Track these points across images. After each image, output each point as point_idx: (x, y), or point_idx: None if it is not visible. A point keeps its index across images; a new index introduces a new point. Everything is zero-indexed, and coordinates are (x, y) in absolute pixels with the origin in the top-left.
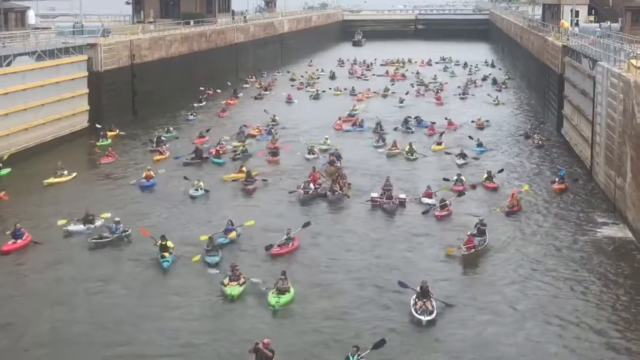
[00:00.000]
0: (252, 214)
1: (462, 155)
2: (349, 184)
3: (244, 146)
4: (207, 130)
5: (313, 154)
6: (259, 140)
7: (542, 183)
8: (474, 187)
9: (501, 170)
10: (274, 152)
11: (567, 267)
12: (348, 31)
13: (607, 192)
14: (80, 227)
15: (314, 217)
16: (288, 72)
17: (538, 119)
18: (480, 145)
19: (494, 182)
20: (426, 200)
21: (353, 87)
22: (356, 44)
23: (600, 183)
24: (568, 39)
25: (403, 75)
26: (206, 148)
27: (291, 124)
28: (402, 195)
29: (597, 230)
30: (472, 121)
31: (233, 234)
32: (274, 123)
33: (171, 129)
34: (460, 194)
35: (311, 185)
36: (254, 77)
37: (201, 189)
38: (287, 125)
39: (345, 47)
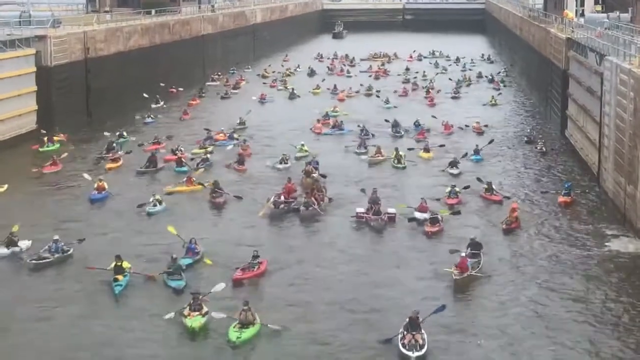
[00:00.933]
0: (218, 232)
1: (455, 164)
2: (330, 198)
3: (205, 153)
4: (169, 138)
5: (285, 162)
6: (223, 146)
7: (546, 195)
8: (505, 199)
9: (504, 194)
10: (242, 161)
11: (572, 288)
12: (328, 22)
13: (616, 201)
14: (3, 250)
15: (285, 237)
16: (262, 74)
17: (540, 121)
18: (477, 152)
19: (495, 194)
20: (420, 215)
21: (335, 85)
22: (336, 36)
23: (609, 191)
24: (572, 31)
25: (385, 72)
26: (165, 154)
27: (264, 127)
28: (392, 210)
29: (606, 244)
30: (467, 125)
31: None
32: (241, 127)
33: (125, 133)
34: (455, 211)
35: (282, 198)
36: (220, 73)
37: (160, 203)
38: (259, 129)
39: (324, 40)
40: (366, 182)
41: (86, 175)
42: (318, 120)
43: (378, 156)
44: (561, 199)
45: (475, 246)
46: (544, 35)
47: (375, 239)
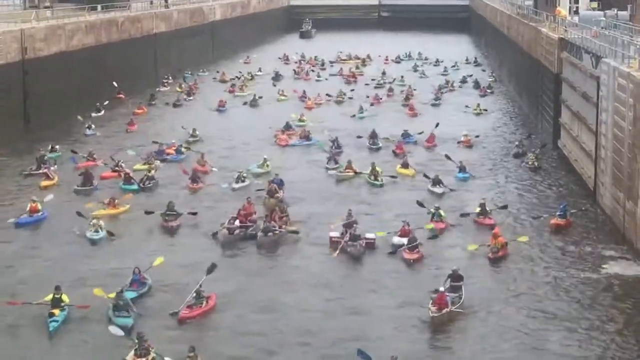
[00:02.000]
0: (167, 260)
1: (438, 182)
2: (297, 230)
3: (149, 170)
4: (117, 163)
5: (242, 181)
6: (173, 162)
7: (538, 217)
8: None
9: (504, 207)
10: (196, 178)
11: (566, 320)
12: (295, 19)
13: (615, 219)
14: None
15: (240, 267)
16: (218, 71)
17: (530, 131)
18: (462, 169)
19: (490, 218)
20: (401, 240)
21: (305, 92)
22: (304, 35)
23: (606, 208)
24: (566, 30)
25: (354, 75)
26: (104, 168)
27: (221, 139)
28: (370, 235)
29: (603, 266)
30: (459, 142)
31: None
32: (194, 139)
33: (57, 147)
34: (434, 235)
35: (237, 223)
36: (170, 77)
37: (101, 229)
38: (215, 141)
39: (291, 40)
40: (338, 202)
41: (48, 197)
42: (283, 132)
43: (348, 172)
44: (555, 221)
45: (457, 279)
46: (534, 35)
47: (348, 268)
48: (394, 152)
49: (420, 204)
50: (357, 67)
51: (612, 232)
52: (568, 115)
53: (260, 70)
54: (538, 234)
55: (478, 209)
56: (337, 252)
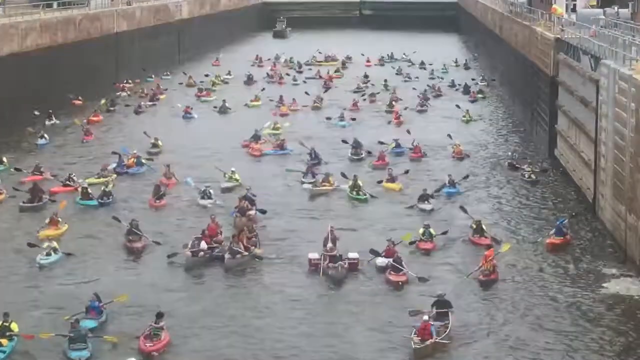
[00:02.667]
0: (127, 286)
1: (426, 198)
2: (260, 255)
3: (107, 184)
4: (69, 176)
5: (208, 197)
6: (134, 175)
7: (532, 235)
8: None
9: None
10: (160, 194)
11: (565, 346)
12: (269, 18)
13: (616, 234)
14: None
15: (205, 293)
16: (184, 73)
17: (525, 140)
18: (452, 184)
19: (485, 237)
20: (386, 260)
21: (281, 97)
22: (278, 35)
23: (607, 222)
24: (562, 30)
25: (330, 79)
26: (55, 182)
27: (186, 149)
28: (353, 255)
29: (603, 286)
30: (444, 151)
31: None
32: (156, 149)
33: (4, 159)
34: (412, 242)
35: (203, 244)
36: (129, 81)
37: (55, 252)
38: (180, 152)
39: (264, 40)
40: (317, 219)
41: None
42: (256, 141)
43: (325, 185)
44: (551, 240)
45: (443, 305)
46: (528, 35)
47: (328, 291)
48: (375, 164)
49: (464, 210)
50: (337, 71)
51: (613, 248)
52: (565, 122)
53: (229, 73)
54: (534, 254)
55: (473, 226)
56: (320, 274)
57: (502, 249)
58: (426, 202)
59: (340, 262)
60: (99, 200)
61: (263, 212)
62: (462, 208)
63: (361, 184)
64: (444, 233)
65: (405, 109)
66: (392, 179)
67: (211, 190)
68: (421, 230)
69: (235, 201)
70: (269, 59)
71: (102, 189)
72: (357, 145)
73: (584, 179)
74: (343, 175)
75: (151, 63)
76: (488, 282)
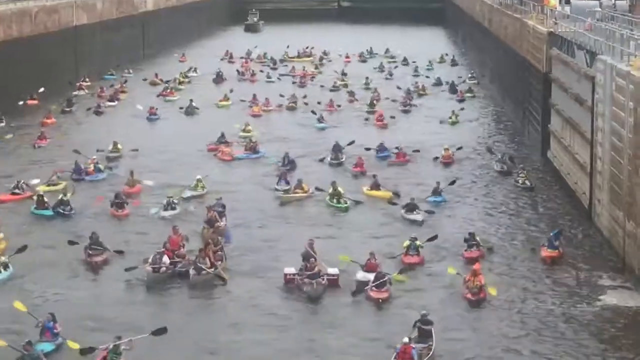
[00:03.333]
0: (84, 306)
1: (413, 208)
2: (224, 277)
3: (64, 193)
4: (18, 184)
5: (172, 208)
6: (93, 182)
7: (524, 248)
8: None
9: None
10: (120, 203)
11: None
12: (240, 10)
13: (613, 241)
14: None
15: (173, 310)
16: (151, 80)
17: (516, 141)
18: (437, 192)
19: (479, 250)
20: (367, 275)
21: (255, 96)
22: (250, 28)
23: (603, 228)
24: (556, 23)
25: (305, 75)
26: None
27: (149, 154)
28: (333, 270)
29: (600, 298)
30: (436, 158)
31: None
32: (115, 154)
33: None
34: (402, 270)
35: (165, 258)
36: (87, 79)
37: (5, 268)
38: (143, 157)
39: (235, 34)
40: (293, 230)
41: None
42: (226, 145)
43: (298, 192)
44: (545, 253)
45: (426, 325)
46: (519, 29)
47: (304, 309)
48: (353, 170)
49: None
50: (315, 67)
51: (610, 258)
52: (559, 122)
53: (195, 70)
54: (525, 267)
55: (466, 237)
56: (296, 290)
57: (490, 291)
58: (414, 212)
59: (318, 279)
60: (57, 210)
61: (223, 280)
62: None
63: (342, 191)
64: (433, 239)
65: (388, 109)
66: (376, 187)
67: (175, 201)
68: (406, 243)
69: (202, 212)
70: (242, 58)
71: (60, 197)
72: (336, 149)
73: (579, 182)
74: (317, 189)
75: (113, 59)
76: (477, 302)
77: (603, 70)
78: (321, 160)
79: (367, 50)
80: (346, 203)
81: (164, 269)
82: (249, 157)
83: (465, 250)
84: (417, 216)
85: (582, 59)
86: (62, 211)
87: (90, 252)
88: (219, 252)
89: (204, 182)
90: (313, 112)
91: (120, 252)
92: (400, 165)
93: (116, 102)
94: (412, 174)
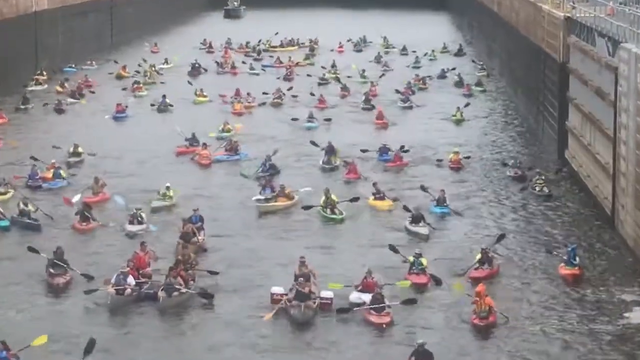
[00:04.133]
0: (45, 330)
1: (420, 219)
2: (210, 293)
3: (25, 203)
4: None
5: (140, 222)
6: (52, 190)
7: (542, 264)
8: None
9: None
10: (85, 215)
11: None
12: None
13: (638, 251)
14: None
15: (142, 338)
16: (116, 62)
17: (530, 140)
18: (441, 202)
19: (491, 267)
20: (362, 296)
21: (238, 90)
22: (231, 14)
23: (628, 237)
24: (574, 7)
25: (291, 66)
26: None
27: (114, 158)
28: (327, 294)
29: (624, 315)
30: (440, 160)
31: None
32: (76, 158)
33: None
34: (409, 299)
35: (130, 279)
36: (44, 72)
37: None
38: (107, 161)
39: (214, 20)
40: (280, 244)
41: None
42: (203, 145)
43: (281, 200)
44: (564, 270)
45: (424, 357)
46: (532, 14)
47: (291, 336)
48: (346, 177)
49: (394, 249)
50: (306, 58)
51: (635, 269)
52: (577, 118)
53: (166, 61)
54: (542, 287)
55: (478, 257)
56: (272, 313)
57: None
58: (420, 224)
59: (308, 302)
60: (17, 220)
61: (209, 297)
62: (422, 187)
63: (336, 200)
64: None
65: (387, 106)
66: (381, 196)
67: (143, 214)
68: (410, 259)
69: (172, 224)
70: (222, 45)
71: (21, 207)
72: (330, 151)
73: (600, 186)
74: (305, 208)
75: (78, 49)
76: (486, 327)
77: (627, 60)
78: (313, 143)
79: (360, 38)
80: (341, 214)
81: (128, 290)
82: (230, 159)
83: (476, 269)
84: (423, 229)
85: (603, 48)
86: (22, 221)
87: (52, 270)
88: (190, 272)
89: (173, 190)
90: (312, 93)
91: (89, 277)
92: (398, 170)
93: (79, 99)
94: (413, 180)
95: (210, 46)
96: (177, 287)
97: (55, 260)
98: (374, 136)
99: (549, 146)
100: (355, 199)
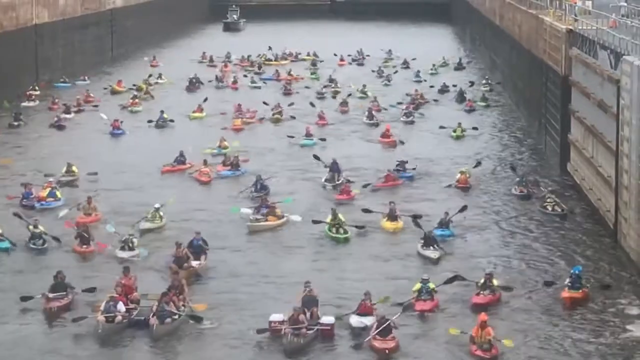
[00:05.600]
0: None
1: (432, 242)
2: (199, 316)
3: (35, 225)
4: None
5: (131, 248)
6: (47, 209)
7: (545, 287)
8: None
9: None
10: (85, 237)
11: None
12: (219, 6)
13: None
14: None
15: None
16: (112, 88)
17: (532, 153)
18: (444, 225)
19: (493, 294)
20: (363, 320)
21: (239, 105)
22: (230, 27)
23: (631, 250)
24: (576, 20)
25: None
26: None
27: (111, 177)
28: (328, 319)
29: (627, 329)
30: (449, 186)
31: None
32: (70, 177)
33: None
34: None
35: (120, 306)
36: (37, 88)
37: None
38: (104, 181)
39: (213, 33)
40: (283, 267)
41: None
42: (204, 162)
43: (271, 219)
44: (566, 293)
45: None
46: (535, 26)
47: None
48: (338, 199)
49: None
50: (312, 73)
51: (639, 282)
52: (580, 131)
53: (160, 77)
54: (544, 312)
55: (482, 281)
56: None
57: (505, 343)
58: (431, 247)
59: (302, 330)
60: (29, 244)
61: (198, 319)
62: (414, 220)
63: (343, 220)
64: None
65: (391, 122)
66: (394, 217)
67: (135, 240)
68: (417, 286)
69: (162, 248)
70: (222, 61)
71: (31, 230)
72: (335, 169)
73: (603, 199)
74: (315, 222)
75: (79, 62)
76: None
77: (629, 73)
78: (316, 157)
79: (357, 51)
80: (346, 233)
81: (119, 318)
82: (234, 174)
83: (477, 295)
84: (434, 253)
85: (605, 60)
86: (33, 246)
87: (50, 295)
88: (182, 296)
89: (163, 211)
90: (312, 104)
91: (91, 290)
92: (389, 190)
93: (72, 115)
94: (420, 199)
95: (212, 60)
96: (170, 312)
97: (55, 284)
98: (381, 154)
99: (551, 159)
100: (362, 227)
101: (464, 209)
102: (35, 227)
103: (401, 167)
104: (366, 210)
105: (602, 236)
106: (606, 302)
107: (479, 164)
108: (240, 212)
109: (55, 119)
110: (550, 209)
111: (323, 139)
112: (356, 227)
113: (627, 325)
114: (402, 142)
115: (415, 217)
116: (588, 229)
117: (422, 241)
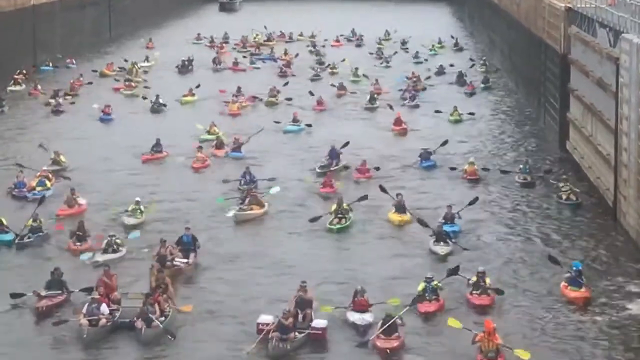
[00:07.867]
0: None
1: (444, 237)
2: (202, 315)
3: (35, 220)
4: None
5: (115, 250)
6: (36, 199)
7: (547, 283)
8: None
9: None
10: (80, 235)
11: None
12: None
13: None
14: None
15: None
16: (101, 71)
17: (533, 132)
18: (450, 219)
19: (488, 295)
20: (364, 317)
21: (239, 88)
22: (226, 7)
23: (630, 228)
24: None
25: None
26: None
27: (101, 167)
28: (320, 323)
29: (627, 306)
30: (453, 168)
31: None
32: (57, 166)
33: None
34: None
35: (104, 307)
36: (24, 72)
37: None
38: (92, 171)
39: (209, 13)
40: (276, 266)
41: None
42: (199, 147)
43: (253, 209)
44: (567, 291)
45: None
46: (533, 4)
47: None
48: (322, 192)
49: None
50: (316, 54)
51: (639, 260)
52: (579, 109)
53: (147, 59)
54: (544, 312)
55: (473, 279)
56: (253, 346)
57: (520, 355)
58: (441, 242)
59: (290, 334)
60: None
61: (172, 335)
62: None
63: (347, 207)
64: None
65: (393, 103)
66: (402, 209)
67: (118, 240)
68: (421, 286)
69: (143, 245)
70: (220, 42)
71: (30, 223)
72: (333, 156)
73: (602, 177)
74: (312, 220)
75: (76, 43)
76: None
77: (628, 51)
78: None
79: (351, 31)
80: (347, 222)
81: (103, 320)
82: (236, 155)
83: (471, 294)
84: (444, 248)
85: (604, 38)
86: (25, 240)
87: (43, 292)
88: (168, 297)
89: (143, 206)
90: (311, 92)
91: (89, 290)
92: (363, 182)
93: (66, 99)
94: (429, 191)
95: (212, 40)
96: (153, 316)
97: (51, 281)
98: (390, 142)
99: (550, 138)
100: (364, 197)
101: (474, 201)
102: (35, 220)
103: (425, 156)
104: (383, 189)
105: (601, 214)
106: (605, 275)
107: (445, 142)
108: (224, 204)
109: (54, 102)
110: (564, 197)
111: (309, 125)
112: (360, 199)
113: (627, 304)
114: (390, 107)
115: (420, 220)
116: (587, 208)
117: (433, 236)
